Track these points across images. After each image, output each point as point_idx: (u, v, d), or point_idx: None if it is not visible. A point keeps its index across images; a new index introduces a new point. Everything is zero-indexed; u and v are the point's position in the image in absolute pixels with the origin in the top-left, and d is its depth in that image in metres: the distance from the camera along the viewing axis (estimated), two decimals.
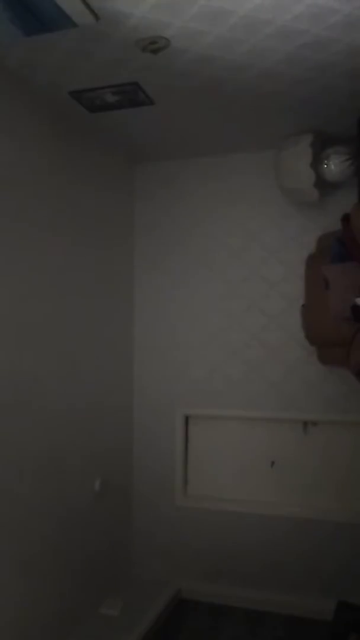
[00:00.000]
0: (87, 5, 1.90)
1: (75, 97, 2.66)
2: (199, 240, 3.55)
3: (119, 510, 3.48)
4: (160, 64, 2.35)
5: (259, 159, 3.41)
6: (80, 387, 3.00)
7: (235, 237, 3.48)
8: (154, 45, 2.19)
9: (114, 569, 3.41)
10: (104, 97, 2.65)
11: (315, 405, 3.28)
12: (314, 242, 3.24)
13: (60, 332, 2.83)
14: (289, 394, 3.33)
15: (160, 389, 3.60)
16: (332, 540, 3.24)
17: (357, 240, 2.66)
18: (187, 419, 3.59)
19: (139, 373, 3.66)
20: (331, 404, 3.25)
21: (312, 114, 2.88)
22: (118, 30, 2.08)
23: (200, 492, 3.57)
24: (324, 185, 3.07)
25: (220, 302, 3.49)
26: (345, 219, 2.80)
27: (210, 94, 2.64)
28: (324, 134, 3.07)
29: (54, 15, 1.92)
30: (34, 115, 2.62)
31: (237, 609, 3.31)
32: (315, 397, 3.28)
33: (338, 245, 2.84)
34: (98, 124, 2.99)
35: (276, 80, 2.50)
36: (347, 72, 2.41)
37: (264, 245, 3.42)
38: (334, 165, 2.98)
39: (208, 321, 3.52)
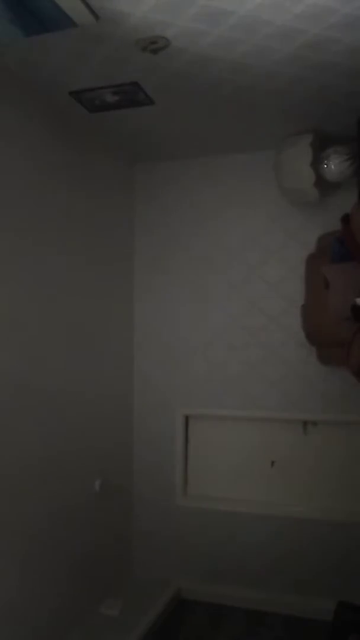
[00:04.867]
0: (87, 5, 1.90)
1: (75, 97, 2.66)
2: (199, 240, 3.55)
3: (119, 510, 3.48)
4: (160, 64, 2.35)
5: (259, 159, 3.41)
6: (80, 387, 3.00)
7: (236, 237, 3.48)
8: (154, 45, 2.19)
9: (114, 568, 3.41)
10: (104, 97, 2.65)
11: (315, 405, 3.28)
12: (314, 242, 3.24)
13: (60, 332, 2.83)
14: (289, 394, 3.33)
15: (160, 389, 3.60)
16: (332, 540, 3.24)
17: (357, 240, 2.66)
18: (187, 419, 3.59)
19: (139, 373, 3.66)
20: (331, 404, 3.25)
21: (312, 113, 2.89)
22: (118, 30, 2.08)
23: (200, 492, 3.57)
24: (324, 185, 3.07)
25: (220, 302, 3.49)
26: (345, 219, 2.80)
27: (210, 94, 2.64)
28: (324, 134, 3.07)
29: (54, 15, 1.92)
30: (34, 116, 2.61)
31: (237, 609, 3.31)
32: (315, 397, 3.28)
33: (338, 245, 2.84)
34: (98, 124, 2.99)
35: (276, 80, 2.50)
36: (347, 72, 2.41)
37: (264, 245, 3.42)
38: (334, 165, 2.98)
39: (208, 321, 3.52)
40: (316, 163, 3.00)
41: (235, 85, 2.55)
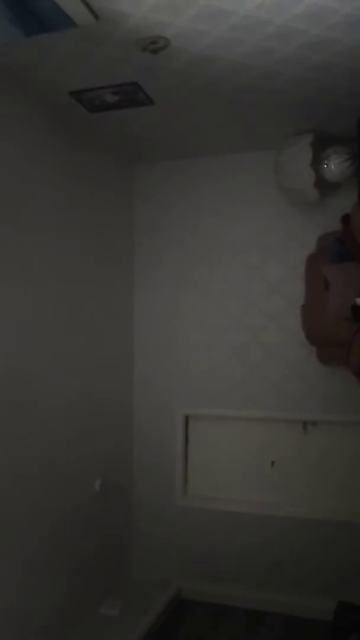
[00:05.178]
0: (87, 5, 1.90)
1: (75, 97, 2.66)
2: (199, 240, 3.55)
3: (119, 510, 3.48)
4: (160, 64, 2.35)
5: (259, 159, 3.41)
6: (80, 387, 3.00)
7: (235, 237, 3.48)
8: (154, 45, 2.19)
9: (114, 568, 3.41)
10: (104, 97, 2.65)
11: (315, 405, 3.28)
12: (314, 242, 3.24)
13: (60, 331, 2.82)
14: (289, 394, 3.33)
15: (160, 389, 3.60)
16: (332, 540, 3.24)
17: (357, 240, 2.66)
18: (187, 419, 3.59)
19: (139, 373, 3.66)
20: (331, 404, 3.25)
21: (312, 114, 2.89)
22: (118, 30, 2.08)
23: (200, 492, 3.57)
24: (324, 185, 3.07)
25: (220, 302, 3.49)
26: (345, 219, 2.80)
27: (210, 94, 2.64)
28: (324, 134, 3.07)
29: (54, 15, 1.92)
30: (34, 116, 2.61)
31: (237, 609, 3.31)
32: (315, 397, 3.28)
33: (338, 245, 2.84)
34: (98, 124, 2.99)
35: (276, 80, 2.50)
36: (347, 72, 2.41)
37: (264, 245, 3.42)
38: (334, 165, 2.98)
39: (208, 321, 3.52)
40: (316, 163, 3.00)
41: (235, 85, 2.55)
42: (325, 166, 3.00)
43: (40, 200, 2.66)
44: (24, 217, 2.54)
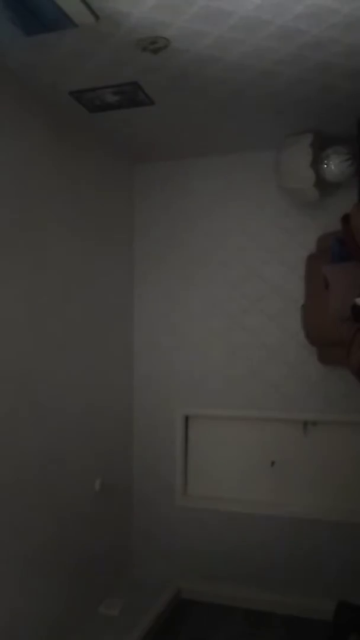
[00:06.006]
0: (87, 5, 1.90)
1: (75, 97, 2.66)
2: (199, 240, 3.55)
3: (119, 510, 3.48)
4: (160, 64, 2.35)
5: (259, 159, 3.41)
6: (80, 387, 3.00)
7: (235, 237, 3.48)
8: (154, 45, 2.19)
9: (114, 569, 3.41)
10: (104, 97, 2.65)
11: (315, 405, 3.28)
12: (314, 242, 3.24)
13: (60, 331, 2.82)
14: (289, 394, 3.33)
15: (160, 389, 3.60)
16: (332, 540, 3.24)
17: (357, 240, 2.66)
18: (187, 419, 3.59)
19: (139, 373, 3.66)
20: (331, 404, 3.25)
21: (312, 114, 2.89)
22: (118, 30, 2.08)
23: (200, 492, 3.57)
24: (324, 185, 3.07)
25: (220, 302, 3.50)
26: (345, 219, 2.80)
27: (210, 94, 2.64)
28: (324, 134, 3.07)
29: (54, 15, 1.92)
30: (34, 116, 2.61)
31: (237, 609, 3.31)
32: (315, 397, 3.28)
33: (338, 245, 2.84)
34: (98, 124, 2.99)
35: (276, 80, 2.50)
36: (346, 72, 2.41)
37: (264, 245, 3.42)
38: (334, 165, 2.98)
39: (208, 321, 3.52)
40: (316, 163, 3.00)
41: (235, 85, 2.55)
42: (325, 166, 3.00)
43: (39, 200, 2.66)
44: (23, 217, 2.54)
